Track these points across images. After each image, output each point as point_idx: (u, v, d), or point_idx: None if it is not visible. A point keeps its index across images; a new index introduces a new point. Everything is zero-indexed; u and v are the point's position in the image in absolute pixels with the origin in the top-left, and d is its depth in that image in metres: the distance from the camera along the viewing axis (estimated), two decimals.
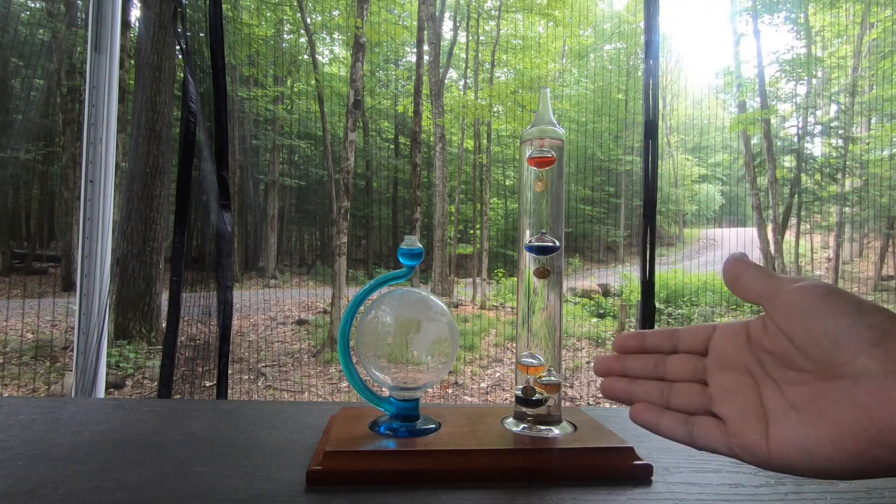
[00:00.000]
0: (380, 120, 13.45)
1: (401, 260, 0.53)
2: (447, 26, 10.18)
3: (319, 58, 10.19)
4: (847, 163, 9.70)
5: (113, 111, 1.54)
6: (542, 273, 0.51)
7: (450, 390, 4.49)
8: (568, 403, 4.04)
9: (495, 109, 9.36)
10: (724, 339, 0.33)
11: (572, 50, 12.95)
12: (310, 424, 0.59)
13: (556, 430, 0.51)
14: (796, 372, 0.28)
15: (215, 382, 1.48)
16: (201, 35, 1.60)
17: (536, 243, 0.51)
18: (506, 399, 4.31)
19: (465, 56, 10.40)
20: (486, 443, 0.48)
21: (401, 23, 9.14)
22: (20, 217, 9.36)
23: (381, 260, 12.76)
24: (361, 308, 0.54)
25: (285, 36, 9.57)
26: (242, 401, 1.04)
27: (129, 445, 0.52)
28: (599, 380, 0.37)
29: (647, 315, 1.82)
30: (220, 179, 1.48)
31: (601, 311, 7.80)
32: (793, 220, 10.43)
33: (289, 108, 11.11)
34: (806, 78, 10.73)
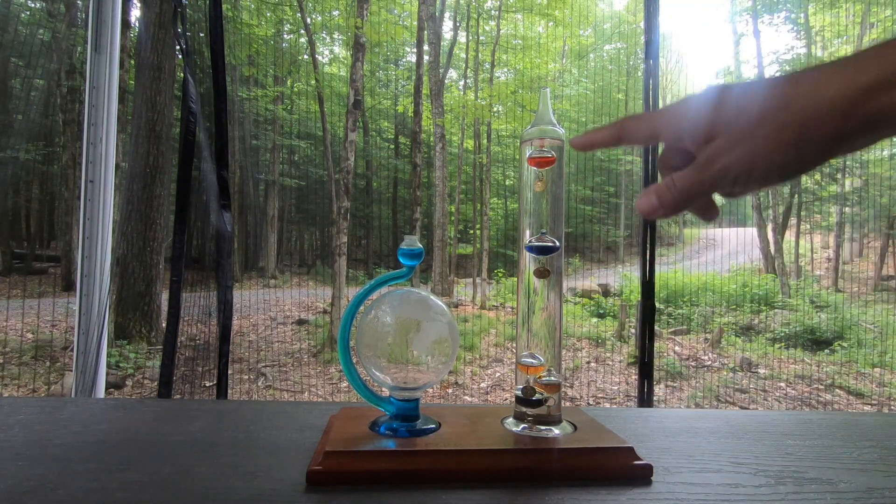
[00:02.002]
0: (380, 120, 13.46)
1: (401, 260, 0.53)
2: (447, 26, 10.19)
3: (319, 58, 10.19)
4: (847, 163, 9.70)
5: (113, 111, 1.54)
6: (542, 273, 0.51)
7: (450, 390, 4.49)
8: (568, 403, 4.04)
9: (495, 109, 9.36)
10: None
11: (572, 50, 12.94)
12: (310, 424, 0.60)
13: (556, 430, 0.51)
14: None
15: (215, 382, 1.48)
16: (201, 35, 1.60)
17: (536, 243, 0.51)
18: (506, 399, 4.31)
19: (465, 56, 10.40)
20: (486, 443, 0.48)
21: (401, 23, 9.14)
22: (20, 217, 9.36)
23: (381, 260, 12.76)
24: (361, 308, 0.54)
25: (285, 36, 9.57)
26: (242, 401, 1.04)
27: (129, 445, 0.52)
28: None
29: (647, 315, 1.82)
30: (220, 179, 1.48)
31: (601, 311, 7.79)
32: (793, 220, 10.43)
33: (289, 108, 11.11)
34: None
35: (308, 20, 8.29)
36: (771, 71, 10.49)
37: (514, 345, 0.55)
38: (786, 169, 0.31)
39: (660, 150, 0.39)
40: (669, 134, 0.35)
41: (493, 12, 9.78)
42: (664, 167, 0.38)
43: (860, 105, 0.28)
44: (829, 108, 0.29)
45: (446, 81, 9.75)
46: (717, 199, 0.36)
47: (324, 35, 11.28)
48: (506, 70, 10.81)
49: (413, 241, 0.53)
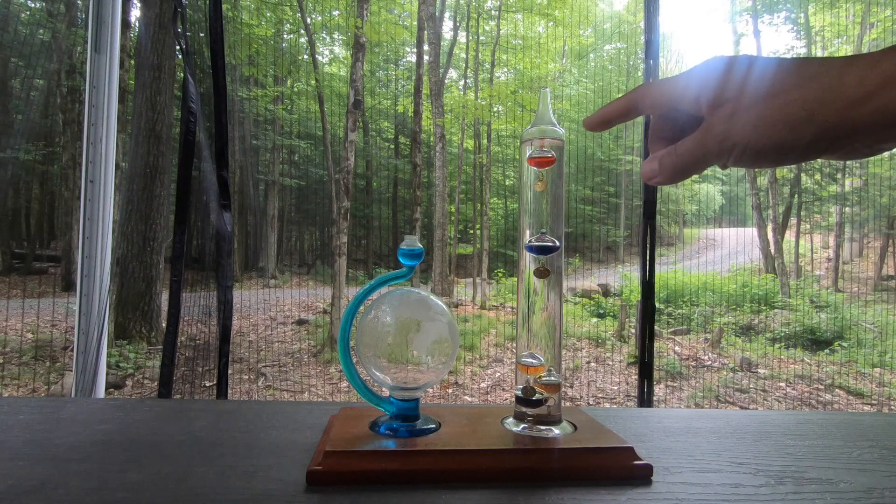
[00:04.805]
0: (380, 120, 13.45)
1: (401, 260, 0.53)
2: (447, 26, 10.18)
3: (319, 58, 10.19)
4: (847, 163, 9.69)
5: (113, 111, 1.54)
6: (542, 273, 0.51)
7: (450, 390, 4.49)
8: (568, 403, 4.04)
9: (495, 109, 9.36)
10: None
11: (572, 50, 12.94)
12: (310, 424, 0.59)
13: (556, 430, 0.51)
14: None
15: (215, 382, 1.48)
16: (201, 35, 1.60)
17: (536, 243, 0.51)
18: (506, 399, 4.31)
19: (465, 56, 10.40)
20: (486, 443, 0.48)
21: (401, 23, 9.13)
22: (20, 217, 9.36)
23: (381, 260, 12.76)
24: (361, 308, 0.54)
25: (285, 36, 9.57)
26: (242, 401, 1.04)
27: (129, 445, 0.52)
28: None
29: (647, 315, 1.82)
30: (220, 179, 1.48)
31: (601, 311, 7.79)
32: (793, 220, 10.43)
33: (289, 108, 11.11)
34: None
35: (308, 20, 8.29)
36: None
37: (514, 345, 0.55)
38: (782, 148, 0.30)
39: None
40: (687, 99, 0.34)
41: (493, 12, 9.79)
42: (655, 140, 0.38)
43: (873, 95, 0.27)
44: (844, 94, 0.28)
45: (446, 81, 9.74)
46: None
47: (324, 35, 11.28)
48: (506, 70, 10.81)
49: (413, 241, 0.53)
